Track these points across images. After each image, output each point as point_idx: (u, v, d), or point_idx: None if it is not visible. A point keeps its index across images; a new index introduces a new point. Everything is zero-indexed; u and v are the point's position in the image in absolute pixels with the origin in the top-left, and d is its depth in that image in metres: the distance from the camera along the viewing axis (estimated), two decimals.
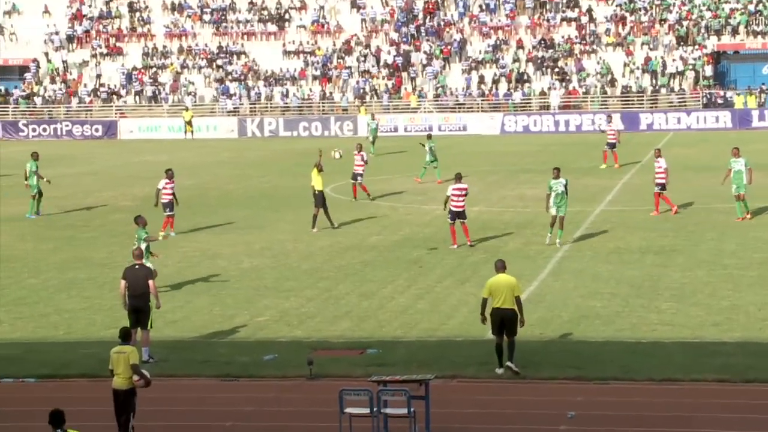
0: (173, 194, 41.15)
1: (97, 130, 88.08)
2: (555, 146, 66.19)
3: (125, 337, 20.04)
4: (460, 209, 37.71)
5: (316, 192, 41.42)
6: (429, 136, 57.24)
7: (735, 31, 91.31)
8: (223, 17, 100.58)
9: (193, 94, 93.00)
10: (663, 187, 42.81)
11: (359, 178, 48.14)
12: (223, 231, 42.31)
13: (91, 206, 48.62)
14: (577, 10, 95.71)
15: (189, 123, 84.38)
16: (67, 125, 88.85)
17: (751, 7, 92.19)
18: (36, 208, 46.40)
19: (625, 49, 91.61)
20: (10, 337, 28.10)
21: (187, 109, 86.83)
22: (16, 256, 38.38)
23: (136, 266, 25.33)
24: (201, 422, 21.61)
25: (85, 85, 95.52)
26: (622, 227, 40.65)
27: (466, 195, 38.14)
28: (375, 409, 20.03)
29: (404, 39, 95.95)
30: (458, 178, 38.40)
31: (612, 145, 58.94)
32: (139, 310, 24.90)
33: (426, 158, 54.15)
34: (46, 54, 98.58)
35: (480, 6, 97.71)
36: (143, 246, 30.02)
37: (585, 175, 53.49)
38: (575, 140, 74.58)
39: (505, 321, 23.94)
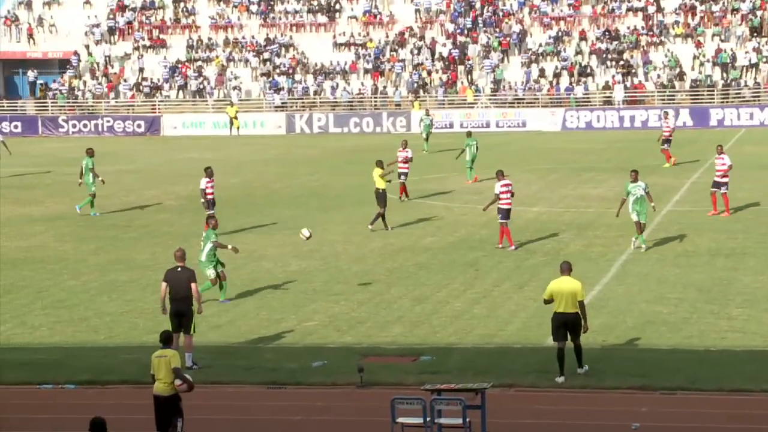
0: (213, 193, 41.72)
1: (139, 126, 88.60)
2: (619, 143, 65.98)
3: (167, 340, 20.16)
4: (510, 206, 38.03)
5: (380, 191, 41.73)
6: (469, 134, 57.27)
7: None
8: (270, 8, 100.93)
9: (238, 88, 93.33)
10: (723, 185, 42.58)
11: (403, 176, 48.05)
12: (270, 231, 42.48)
13: (133, 205, 48.88)
14: (644, 0, 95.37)
15: (234, 118, 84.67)
16: (108, 121, 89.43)
17: None
18: (83, 205, 46.50)
19: (695, 41, 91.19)
20: (49, 342, 28.35)
21: (231, 104, 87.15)
22: (56, 256, 38.69)
23: (179, 268, 25.39)
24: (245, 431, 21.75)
25: (126, 80, 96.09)
26: (690, 229, 40.44)
27: (513, 193, 38.47)
28: (428, 419, 20.10)
29: (460, 30, 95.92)
30: (502, 174, 38.48)
31: (668, 142, 58.90)
32: (181, 314, 25.03)
33: (467, 157, 54.29)
34: (87, 47, 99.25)
35: None
36: (208, 247, 30.31)
37: (650, 173, 53.20)
38: (641, 137, 74.21)
39: (568, 326, 24.07)
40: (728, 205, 42.65)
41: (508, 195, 38.00)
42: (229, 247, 31.41)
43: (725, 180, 42.59)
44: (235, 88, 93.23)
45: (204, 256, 30.76)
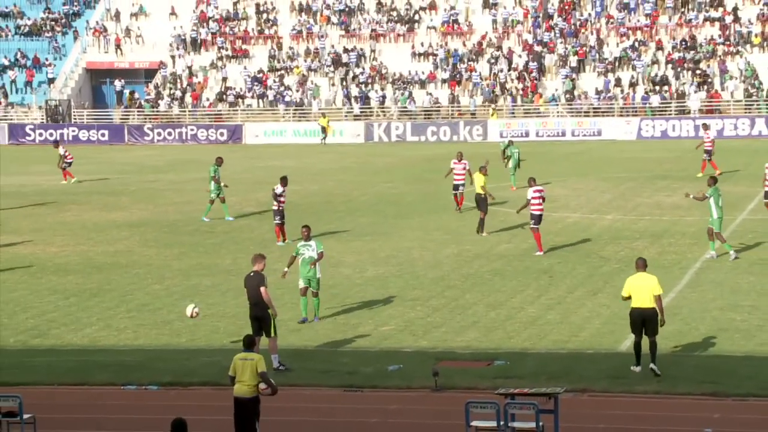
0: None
1: (222, 134, 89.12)
2: (695, 152, 65.29)
3: (249, 344, 20.29)
4: (542, 212, 38.33)
5: (481, 196, 41.92)
6: (511, 142, 57.22)
7: None
8: (351, 18, 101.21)
9: (319, 97, 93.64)
10: None
11: (461, 188, 47.56)
12: (348, 238, 42.60)
13: (215, 212, 49.21)
14: (721, 9, 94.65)
15: (326, 127, 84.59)
16: (191, 129, 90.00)
17: None
18: (209, 212, 46.86)
19: None
20: (133, 344, 28.65)
21: (323, 115, 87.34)
22: (141, 261, 39.03)
23: (252, 273, 25.65)
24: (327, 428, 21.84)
25: (210, 89, 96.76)
26: (765, 237, 40.13)
27: (544, 199, 38.79)
28: (502, 422, 20.08)
29: (537, 40, 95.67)
30: (533, 181, 38.82)
31: (708, 153, 58.39)
32: (259, 318, 25.27)
33: (510, 164, 54.28)
34: (172, 57, 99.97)
35: (618, 5, 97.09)
36: (305, 256, 29.52)
37: (724, 182, 52.72)
38: (717, 146, 73.62)
39: (646, 320, 24.42)
40: None
41: (540, 201, 38.31)
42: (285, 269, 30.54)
43: None
44: (315, 97, 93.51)
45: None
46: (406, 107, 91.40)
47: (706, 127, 64.31)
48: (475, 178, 43.05)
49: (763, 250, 37.74)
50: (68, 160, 61.59)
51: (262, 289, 25.27)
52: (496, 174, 58.88)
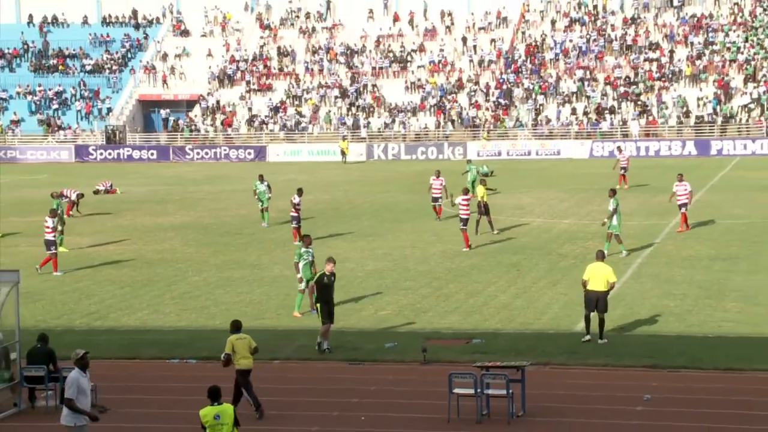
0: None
1: (249, 153, 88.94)
2: (636, 169, 65.31)
3: (238, 328, 20.80)
4: (468, 216, 38.97)
5: (482, 202, 41.85)
6: (469, 161, 57.27)
7: None
8: (355, 58, 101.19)
9: (328, 124, 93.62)
10: (684, 206, 41.64)
11: (439, 200, 46.53)
12: (353, 238, 42.59)
13: (244, 217, 49.21)
14: (658, 51, 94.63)
15: (346, 149, 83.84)
16: (224, 150, 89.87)
17: None
18: (265, 219, 46.25)
19: (700, 85, 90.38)
20: (176, 325, 28.71)
21: (344, 139, 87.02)
22: (182, 258, 39.05)
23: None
24: (337, 399, 21.78)
25: (240, 116, 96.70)
26: (693, 238, 40.15)
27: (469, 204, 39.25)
28: (478, 390, 20.13)
29: (508, 77, 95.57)
30: (466, 191, 39.83)
31: (624, 169, 58.32)
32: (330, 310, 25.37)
33: (468, 178, 54.32)
34: (209, 90, 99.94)
35: (573, 48, 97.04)
36: (301, 263, 28.93)
37: (659, 192, 52.77)
38: (654, 163, 73.64)
39: (598, 300, 25.08)
40: (686, 221, 41.82)
41: (467, 206, 38.78)
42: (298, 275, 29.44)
43: (687, 201, 41.73)
44: (327, 122, 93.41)
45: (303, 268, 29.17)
46: (401, 131, 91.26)
47: (620, 149, 64.60)
48: (478, 189, 43.01)
49: (690, 249, 37.75)
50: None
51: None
52: (511, 186, 59.08)
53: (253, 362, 20.54)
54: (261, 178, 47.25)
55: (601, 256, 26.13)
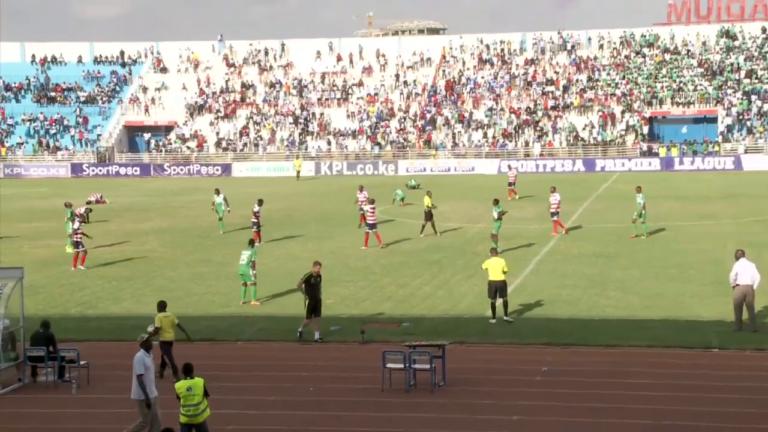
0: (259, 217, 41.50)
1: (217, 170, 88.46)
2: (536, 182, 65.94)
3: (164, 307, 21.44)
4: (375, 221, 39.11)
5: (426, 209, 41.89)
6: (396, 193, 56.77)
7: (663, 103, 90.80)
8: (306, 90, 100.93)
9: (283, 145, 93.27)
10: (556, 214, 41.52)
11: (363, 210, 44.26)
12: (303, 240, 42.48)
13: (212, 223, 48.85)
14: (553, 86, 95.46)
15: (299, 168, 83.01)
16: (197, 167, 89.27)
17: (675, 86, 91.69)
18: (221, 227, 45.23)
19: (586, 114, 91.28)
20: (155, 312, 28.16)
21: (297, 157, 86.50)
22: (161, 257, 38.77)
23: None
24: (290, 373, 21.74)
25: (209, 139, 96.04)
26: (581, 239, 40.52)
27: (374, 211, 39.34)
28: (407, 365, 20.16)
29: (431, 107, 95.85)
30: (372, 201, 39.72)
31: (512, 184, 57.98)
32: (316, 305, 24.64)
33: (398, 193, 54.24)
34: (185, 118, 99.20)
35: (484, 83, 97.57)
36: (243, 261, 28.53)
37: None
38: (551, 178, 74.19)
39: (498, 288, 25.37)
40: (561, 226, 41.71)
41: (373, 214, 38.98)
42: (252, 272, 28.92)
43: (558, 210, 41.62)
44: (283, 143, 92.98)
45: (246, 266, 28.72)
46: (344, 151, 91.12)
47: (510, 167, 65.06)
48: (424, 199, 42.84)
49: (580, 248, 38.06)
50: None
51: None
52: (412, 196, 59.33)
53: (175, 336, 21.10)
54: (217, 192, 46.50)
55: (494, 252, 26.47)
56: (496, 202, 38.47)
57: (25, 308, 22.40)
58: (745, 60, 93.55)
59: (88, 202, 57.90)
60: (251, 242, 30.01)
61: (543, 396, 19.61)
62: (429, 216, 42.03)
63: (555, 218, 41.70)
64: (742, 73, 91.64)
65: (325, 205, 57.56)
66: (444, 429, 17.87)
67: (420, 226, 42.19)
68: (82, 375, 21.38)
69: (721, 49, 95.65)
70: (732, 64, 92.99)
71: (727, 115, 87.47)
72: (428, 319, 26.52)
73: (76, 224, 36.78)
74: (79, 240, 36.30)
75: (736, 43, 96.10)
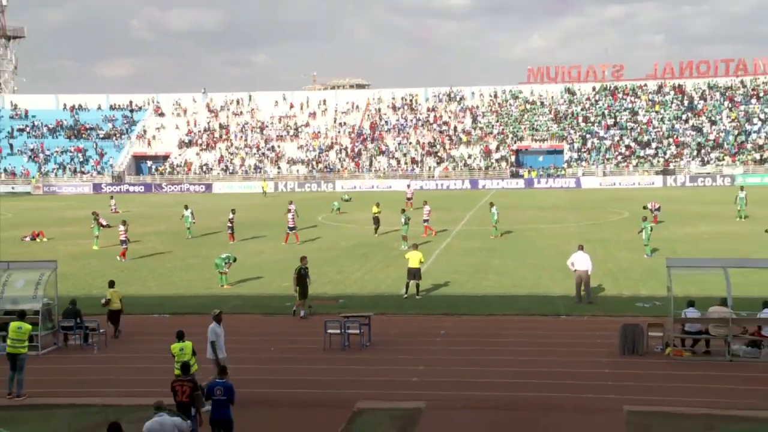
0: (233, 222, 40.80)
1: (202, 188, 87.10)
2: (436, 197, 66.28)
3: (112, 285, 21.70)
4: (294, 225, 38.74)
5: (374, 216, 41.90)
6: (342, 198, 56.03)
7: (524, 139, 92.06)
8: (267, 129, 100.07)
9: (253, 169, 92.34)
10: (428, 221, 41.01)
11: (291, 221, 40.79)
12: (266, 240, 41.98)
13: (199, 227, 48.05)
14: (447, 126, 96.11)
15: (265, 187, 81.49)
16: (186, 185, 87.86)
17: (533, 127, 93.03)
18: (189, 233, 43.32)
19: (472, 147, 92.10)
20: (156, 294, 27.86)
21: (264, 180, 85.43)
22: (161, 252, 37.98)
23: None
24: (257, 337, 21.55)
25: (195, 165, 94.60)
26: (469, 237, 40.75)
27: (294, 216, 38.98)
28: (343, 330, 20.12)
29: (359, 142, 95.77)
30: (290, 202, 39.62)
31: (409, 200, 56.58)
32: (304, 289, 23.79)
33: (335, 204, 53.98)
34: (178, 149, 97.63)
35: (396, 123, 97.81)
36: (221, 256, 28.06)
37: (448, 211, 53.70)
38: (447, 194, 74.88)
39: (414, 273, 25.35)
40: (430, 229, 41.07)
41: (292, 218, 38.69)
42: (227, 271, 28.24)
43: (429, 217, 41.29)
44: (253, 168, 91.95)
45: (221, 259, 28.15)
46: (295, 173, 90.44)
47: (408, 186, 64.47)
48: (374, 207, 42.31)
49: (468, 244, 38.19)
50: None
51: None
52: (347, 206, 59.11)
53: (122, 306, 21.66)
54: (186, 207, 44.47)
55: (414, 247, 26.44)
56: (403, 211, 38.60)
57: (58, 290, 22.04)
58: (581, 109, 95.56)
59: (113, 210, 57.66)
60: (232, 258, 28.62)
61: (442, 351, 19.74)
62: (376, 220, 42.05)
63: (426, 223, 41.28)
64: (580, 119, 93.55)
65: (282, 215, 56.98)
66: (370, 376, 17.89)
67: (373, 228, 42.03)
68: (101, 340, 21.01)
69: (564, 101, 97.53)
70: (572, 112, 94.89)
71: (569, 149, 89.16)
72: (358, 296, 26.44)
73: (121, 228, 36.19)
74: (124, 239, 35.95)
75: (575, 98, 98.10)
